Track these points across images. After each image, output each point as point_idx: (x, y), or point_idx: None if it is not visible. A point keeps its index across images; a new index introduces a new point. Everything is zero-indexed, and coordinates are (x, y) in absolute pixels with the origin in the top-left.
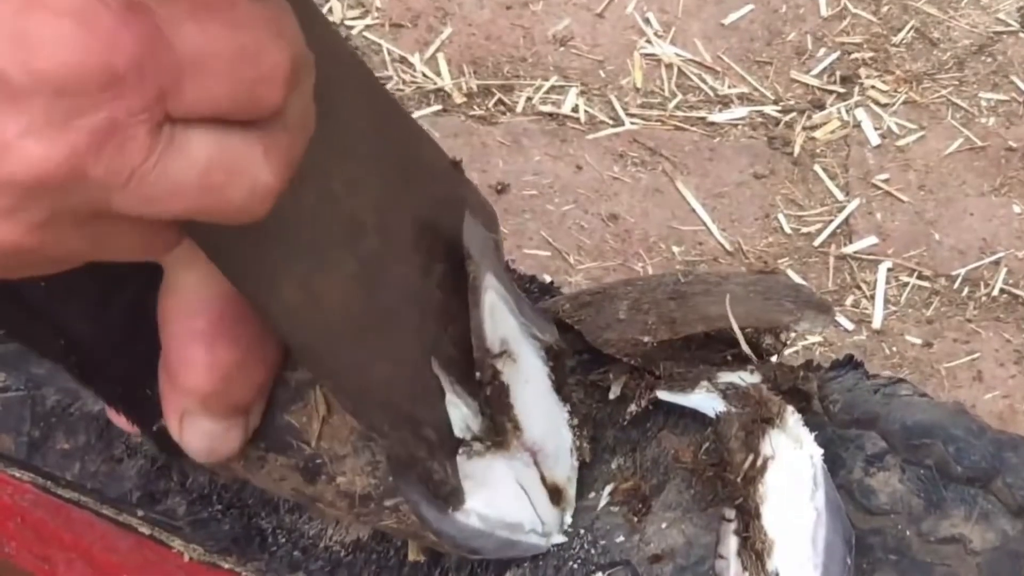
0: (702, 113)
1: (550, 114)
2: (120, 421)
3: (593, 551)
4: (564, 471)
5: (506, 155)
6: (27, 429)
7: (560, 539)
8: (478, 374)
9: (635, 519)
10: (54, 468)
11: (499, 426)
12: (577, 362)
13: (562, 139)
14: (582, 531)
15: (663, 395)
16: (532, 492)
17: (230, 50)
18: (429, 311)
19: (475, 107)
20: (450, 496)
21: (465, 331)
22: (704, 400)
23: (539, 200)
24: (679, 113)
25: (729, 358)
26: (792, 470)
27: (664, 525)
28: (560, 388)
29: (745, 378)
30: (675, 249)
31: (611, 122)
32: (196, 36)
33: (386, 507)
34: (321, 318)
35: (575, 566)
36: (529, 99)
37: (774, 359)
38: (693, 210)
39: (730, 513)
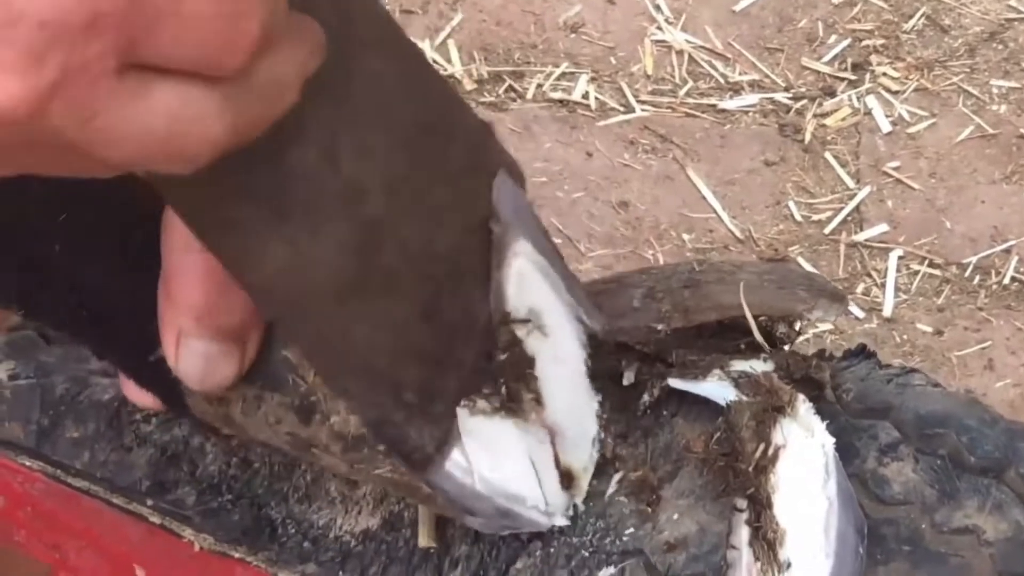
0: (713, 100)
1: (560, 101)
2: (137, 396)
3: (606, 540)
4: (582, 459)
5: (516, 142)
6: (36, 417)
7: (563, 522)
8: (499, 339)
9: (648, 508)
10: (63, 457)
11: (514, 393)
12: (590, 353)
13: (572, 126)
14: (593, 519)
15: (675, 383)
16: (542, 469)
17: (208, 5)
18: (433, 276)
19: (485, 94)
20: (423, 463)
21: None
22: (716, 388)
23: (549, 187)
24: (690, 100)
25: (742, 347)
26: (804, 459)
27: (676, 514)
28: (595, 377)
29: (757, 366)
30: (686, 237)
31: (622, 109)
32: None
33: (379, 451)
34: (305, 282)
35: (586, 555)
36: (540, 86)
37: (787, 348)
38: (704, 197)
39: (742, 503)
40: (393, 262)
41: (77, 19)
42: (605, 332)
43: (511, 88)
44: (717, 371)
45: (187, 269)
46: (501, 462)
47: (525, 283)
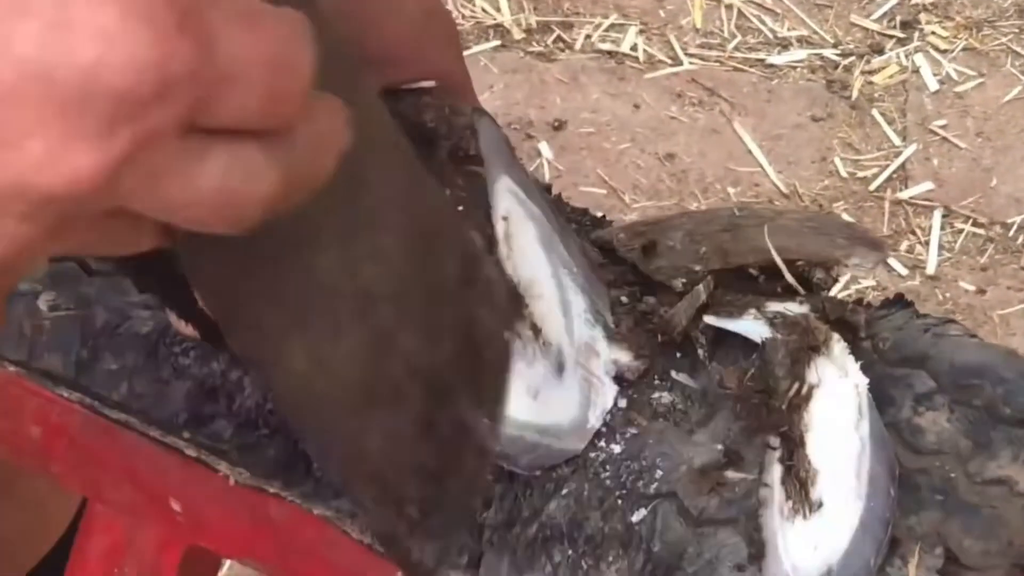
0: (761, 55)
1: (609, 52)
2: (181, 325)
3: (639, 483)
4: (555, 325)
5: (564, 92)
6: (76, 349)
7: (579, 445)
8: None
9: (682, 451)
10: (102, 388)
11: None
12: (628, 292)
13: (620, 77)
14: (628, 461)
15: (710, 319)
16: (544, 395)
17: (264, 59)
18: (435, 391)
19: (534, 43)
20: None
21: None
22: (752, 326)
23: (596, 138)
24: (738, 54)
25: (779, 290)
26: (837, 399)
27: (711, 458)
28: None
29: (793, 308)
30: (731, 190)
31: (670, 61)
32: (235, 44)
33: None
34: (323, 387)
35: (619, 497)
36: (588, 37)
37: (824, 293)
38: (749, 151)
39: (775, 441)
40: (398, 373)
41: (149, 88)
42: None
43: (560, 38)
44: (753, 311)
45: None
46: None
47: (511, 222)
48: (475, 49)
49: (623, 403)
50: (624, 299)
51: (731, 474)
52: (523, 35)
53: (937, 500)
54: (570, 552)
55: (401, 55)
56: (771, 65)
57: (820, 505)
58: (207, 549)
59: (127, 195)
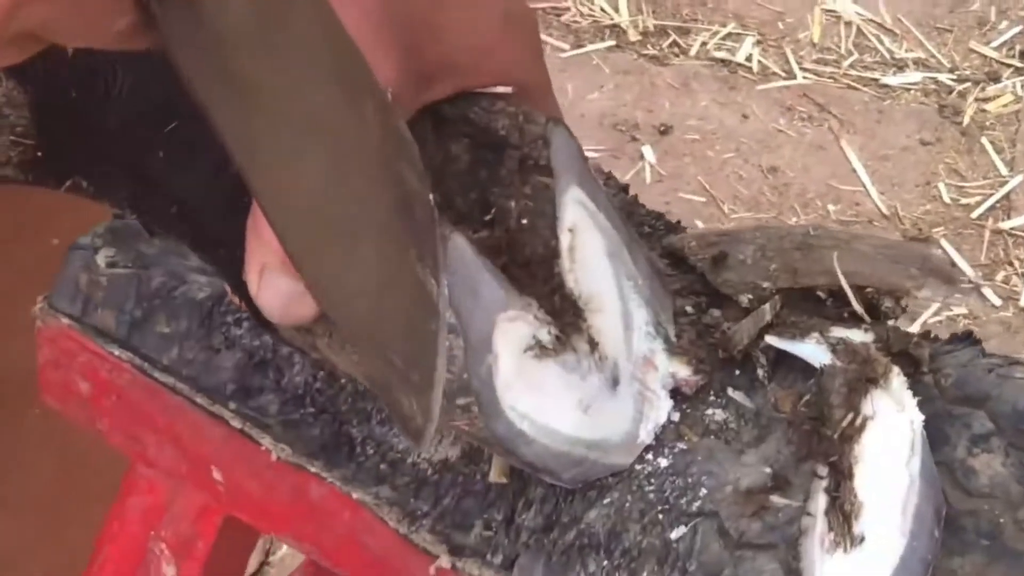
0: (876, 74)
1: (723, 60)
2: (236, 298)
3: (682, 500)
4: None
5: (673, 97)
6: (130, 308)
7: (627, 460)
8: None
9: (728, 472)
10: (152, 351)
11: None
12: (694, 303)
13: (731, 86)
14: (673, 477)
15: (772, 340)
16: (595, 409)
17: None
18: (390, 235)
19: (649, 46)
20: (416, 433)
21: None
22: (813, 351)
23: (701, 145)
24: (852, 72)
25: (846, 315)
26: (891, 432)
27: (758, 481)
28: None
29: (856, 336)
30: (831, 207)
31: (783, 74)
32: None
33: (458, 405)
34: (299, 206)
35: (661, 512)
36: (704, 44)
37: (891, 323)
38: (854, 170)
39: (823, 470)
40: (355, 210)
41: None
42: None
43: (675, 43)
44: (816, 335)
45: None
46: (545, 401)
47: (578, 234)
48: (589, 48)
49: (676, 417)
50: (689, 309)
51: (776, 499)
52: (639, 37)
53: (983, 545)
54: (605, 563)
55: (476, 60)
56: (885, 85)
57: (862, 540)
58: (245, 522)
59: None
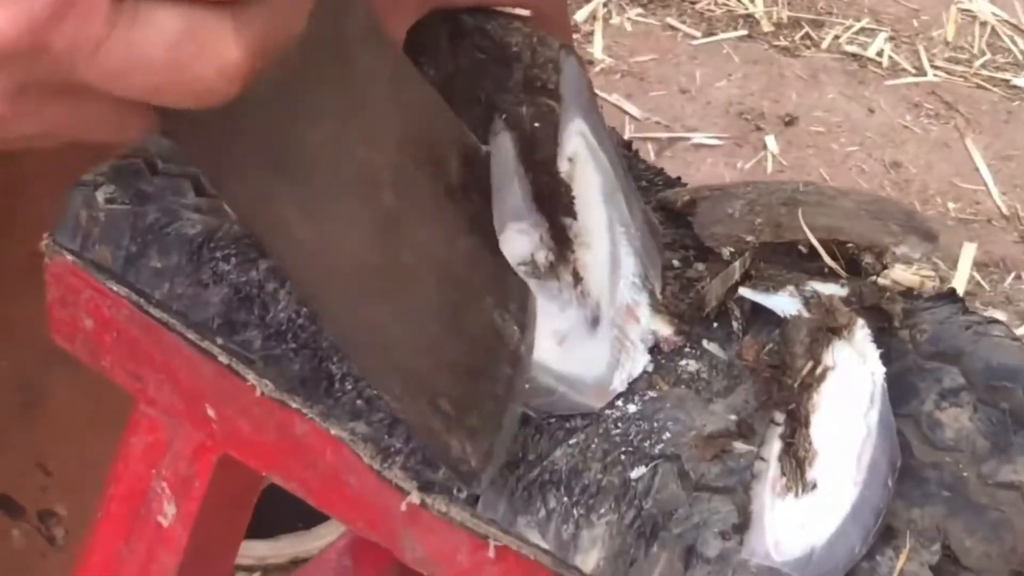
0: (1007, 75)
1: (853, 55)
2: None
3: (646, 442)
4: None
5: (801, 89)
6: (125, 243)
7: (596, 404)
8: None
9: (693, 418)
10: (145, 286)
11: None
12: (681, 257)
13: (860, 81)
14: (640, 421)
15: (744, 292)
16: (570, 344)
17: None
18: (454, 284)
19: (781, 38)
20: (469, 476)
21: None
22: (784, 303)
23: (825, 138)
24: (983, 72)
25: (826, 271)
26: (850, 383)
27: (721, 427)
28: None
29: (831, 289)
30: (951, 205)
31: (913, 71)
32: None
33: None
34: (334, 266)
35: (623, 454)
36: (836, 37)
37: (873, 279)
38: (976, 169)
39: (779, 417)
40: (411, 261)
41: None
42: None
43: (807, 35)
44: (791, 288)
45: None
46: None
47: (577, 165)
48: (721, 36)
49: (650, 367)
50: (676, 263)
51: (738, 445)
52: (772, 28)
53: (944, 496)
54: (565, 499)
55: None
56: (1015, 87)
57: (814, 486)
58: (241, 462)
59: (67, 59)
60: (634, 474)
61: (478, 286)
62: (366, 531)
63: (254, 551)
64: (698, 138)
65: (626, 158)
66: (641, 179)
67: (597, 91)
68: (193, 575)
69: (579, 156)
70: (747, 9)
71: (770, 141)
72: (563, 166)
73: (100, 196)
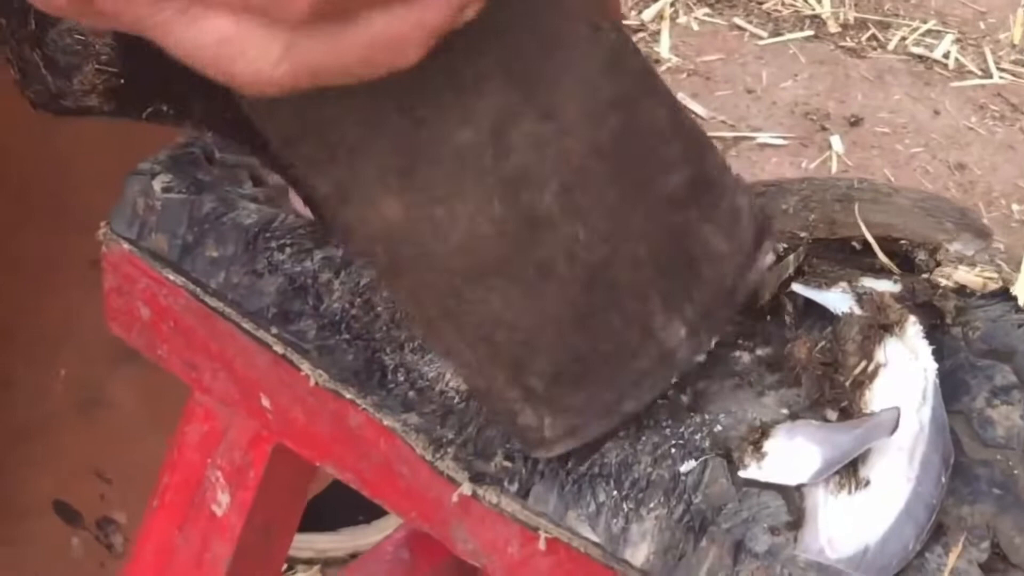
0: None
1: (920, 56)
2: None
3: (696, 435)
4: None
5: (866, 90)
6: (182, 232)
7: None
8: None
9: (747, 412)
10: (201, 275)
11: None
12: None
13: (926, 82)
14: (693, 414)
15: (797, 287)
16: None
17: None
18: (600, 281)
19: (847, 39)
20: (537, 443)
21: None
22: (837, 299)
23: (890, 139)
24: None
25: (878, 267)
26: (903, 380)
27: (772, 421)
28: None
29: (884, 286)
30: (1015, 207)
31: (979, 73)
32: None
33: None
34: (430, 244)
35: (674, 447)
36: (903, 39)
37: (926, 276)
38: None
39: (832, 415)
40: (551, 256)
41: None
42: None
43: (874, 37)
44: (844, 284)
45: None
46: None
47: None
48: (787, 36)
49: (703, 359)
50: None
51: None
52: (838, 29)
53: (995, 494)
54: (615, 492)
55: None
56: None
57: (867, 483)
58: (295, 451)
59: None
60: (684, 468)
61: (645, 291)
62: (419, 522)
63: (315, 544)
64: (763, 138)
65: None
66: None
67: None
68: (247, 564)
69: None
70: (814, 10)
71: (835, 141)
72: None
73: (157, 185)
